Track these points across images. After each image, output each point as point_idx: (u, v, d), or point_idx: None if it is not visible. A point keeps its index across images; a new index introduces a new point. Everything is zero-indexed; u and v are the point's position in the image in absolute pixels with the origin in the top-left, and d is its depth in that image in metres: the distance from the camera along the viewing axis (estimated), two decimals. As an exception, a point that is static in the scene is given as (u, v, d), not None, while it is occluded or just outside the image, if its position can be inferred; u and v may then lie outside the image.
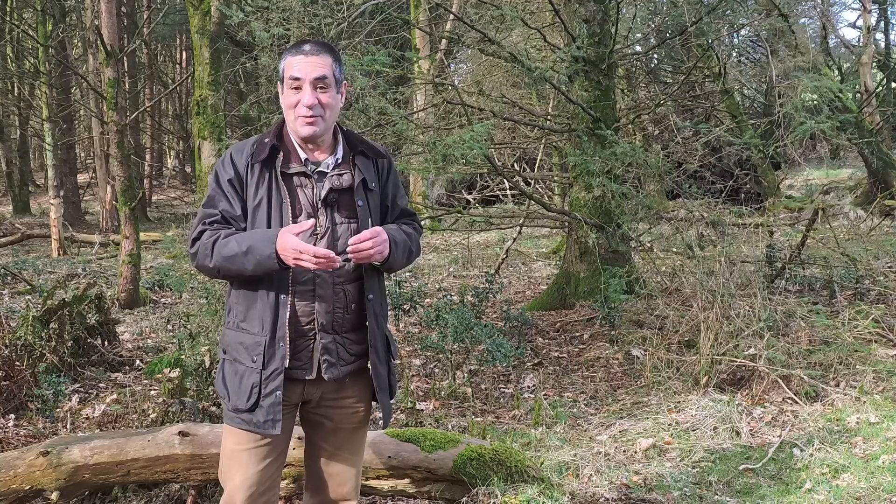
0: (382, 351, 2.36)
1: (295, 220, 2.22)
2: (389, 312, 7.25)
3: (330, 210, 2.25)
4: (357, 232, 2.24)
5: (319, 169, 2.28)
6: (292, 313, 2.22)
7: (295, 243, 2.10)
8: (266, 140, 2.28)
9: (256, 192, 2.24)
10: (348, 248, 2.18)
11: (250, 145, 2.30)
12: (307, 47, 2.26)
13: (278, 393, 2.22)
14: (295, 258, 2.10)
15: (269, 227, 2.22)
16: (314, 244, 2.20)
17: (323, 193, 2.25)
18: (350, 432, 2.40)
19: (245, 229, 2.26)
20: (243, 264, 2.17)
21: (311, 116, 2.21)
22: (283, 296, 2.21)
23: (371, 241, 2.17)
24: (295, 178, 2.26)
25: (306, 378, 2.27)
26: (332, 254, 2.13)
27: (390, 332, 2.46)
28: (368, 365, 2.37)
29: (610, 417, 4.64)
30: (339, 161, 2.31)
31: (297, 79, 2.22)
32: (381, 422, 2.40)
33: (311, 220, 2.18)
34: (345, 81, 2.35)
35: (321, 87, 2.23)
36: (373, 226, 2.30)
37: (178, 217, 19.79)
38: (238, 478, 2.30)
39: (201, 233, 2.26)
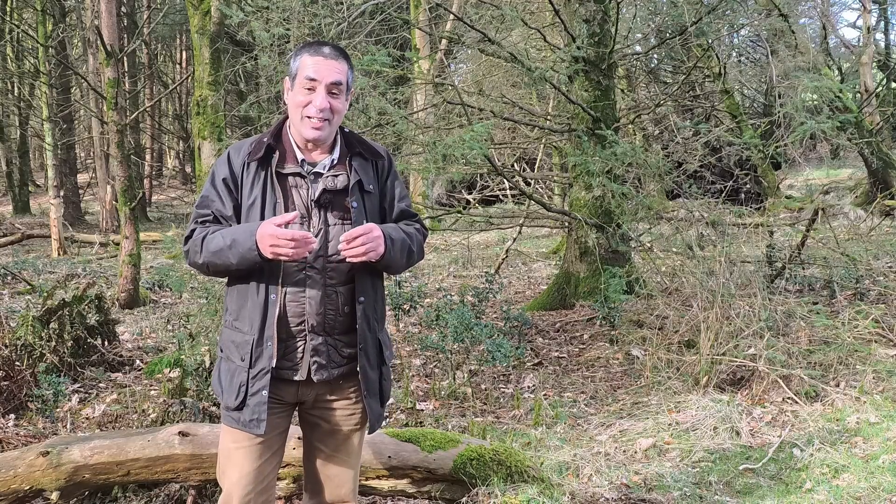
0: (373, 355, 2.34)
1: None
2: (389, 312, 7.26)
3: (323, 211, 2.24)
4: None
5: (315, 169, 2.28)
6: (282, 313, 2.22)
7: (271, 230, 2.10)
8: (265, 139, 2.28)
9: (251, 191, 2.24)
10: (339, 248, 2.16)
11: (248, 144, 2.30)
12: (326, 50, 2.25)
13: (264, 392, 2.21)
14: (272, 245, 2.09)
15: None
16: None
17: (316, 194, 2.24)
18: (347, 434, 2.39)
19: None
20: (228, 258, 2.18)
21: (320, 120, 2.21)
22: (272, 295, 2.21)
23: (363, 237, 2.15)
24: (290, 179, 2.26)
25: (296, 379, 2.27)
26: (309, 234, 2.12)
27: (387, 336, 2.43)
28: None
29: (610, 417, 4.64)
30: (336, 162, 2.30)
31: (313, 80, 2.21)
32: (374, 425, 2.38)
33: (295, 213, 2.16)
34: (352, 89, 2.35)
35: (334, 93, 2.23)
36: None
37: (178, 217, 19.81)
38: (234, 476, 2.30)
39: (193, 231, 2.28)
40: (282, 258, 2.12)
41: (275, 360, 2.22)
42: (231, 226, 2.27)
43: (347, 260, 2.18)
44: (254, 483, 2.30)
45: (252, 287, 2.23)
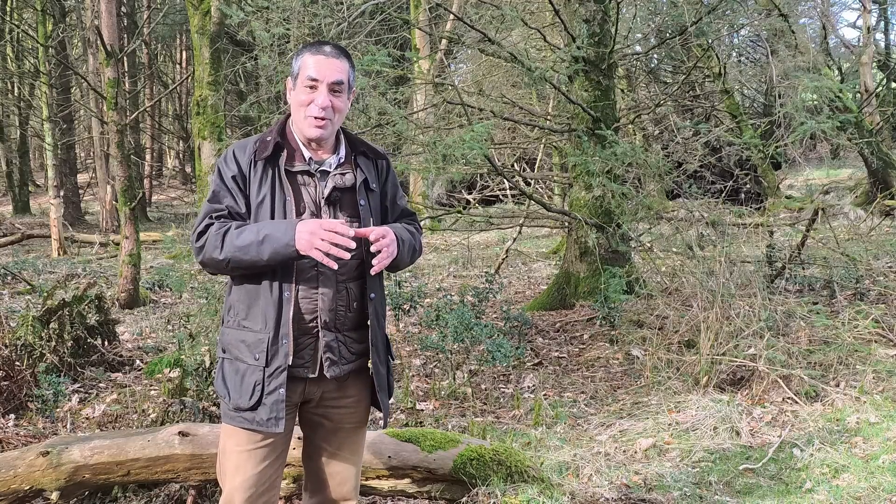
0: (383, 350, 2.38)
1: (298, 217, 2.22)
2: (389, 312, 7.26)
3: (332, 209, 2.26)
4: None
5: (322, 168, 2.29)
6: (296, 310, 2.22)
7: (318, 221, 2.12)
8: (269, 138, 2.28)
9: (260, 189, 2.24)
10: (373, 248, 2.17)
11: (252, 143, 2.29)
12: (328, 49, 2.26)
13: (282, 391, 2.21)
14: (309, 238, 2.08)
15: None
16: None
17: (326, 192, 2.26)
18: (350, 432, 2.40)
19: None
20: (258, 253, 2.14)
21: (322, 119, 2.22)
22: (286, 293, 2.21)
23: (388, 238, 2.19)
24: (298, 176, 2.27)
25: (308, 376, 2.27)
26: (349, 232, 2.12)
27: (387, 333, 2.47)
28: (369, 364, 2.37)
29: (610, 417, 4.64)
30: (342, 160, 2.32)
31: (314, 79, 2.22)
32: (380, 421, 2.40)
33: (342, 221, 2.18)
34: (353, 88, 2.36)
35: (336, 91, 2.24)
36: (373, 225, 2.30)
37: (178, 217, 19.80)
38: (237, 479, 2.29)
39: (208, 226, 2.23)
40: (315, 253, 2.09)
41: (291, 358, 2.22)
42: (246, 222, 2.25)
43: (372, 272, 2.20)
44: (256, 486, 2.29)
45: (264, 285, 2.22)
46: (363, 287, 2.29)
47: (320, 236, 2.09)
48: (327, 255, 2.10)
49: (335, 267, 2.12)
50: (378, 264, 2.19)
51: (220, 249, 2.18)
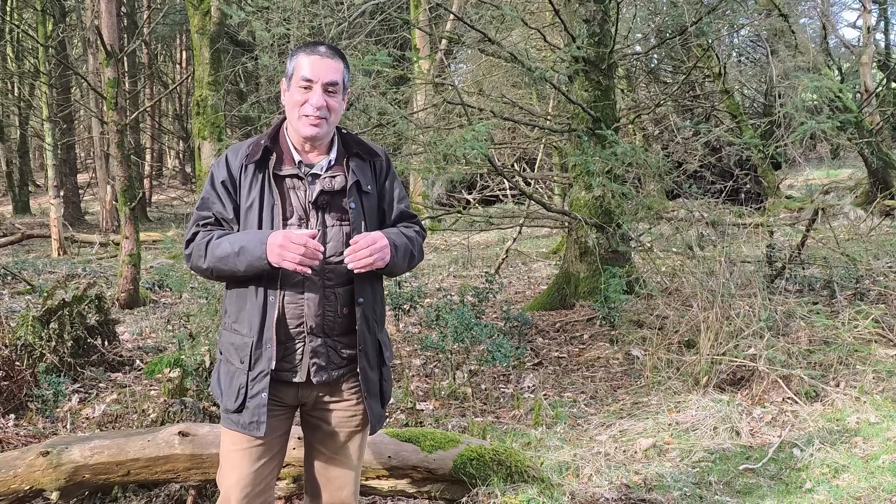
0: (373, 356, 2.34)
1: (285, 221, 2.21)
2: (389, 313, 7.26)
3: (321, 213, 2.24)
4: (349, 235, 2.22)
5: (313, 171, 2.27)
6: (281, 315, 2.22)
7: (285, 233, 2.12)
8: (262, 142, 2.27)
9: (249, 193, 2.24)
10: (346, 261, 2.17)
11: (246, 146, 2.29)
12: (322, 49, 2.26)
13: (264, 395, 2.21)
14: (280, 246, 2.10)
15: (260, 228, 2.22)
16: None
17: (313, 196, 2.24)
18: (348, 436, 2.38)
19: (239, 231, 2.26)
20: (235, 265, 2.17)
21: (317, 118, 2.21)
22: (271, 298, 2.21)
23: (368, 248, 2.16)
24: (287, 180, 2.26)
25: (295, 381, 2.27)
26: (320, 247, 2.14)
27: (387, 336, 2.43)
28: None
29: (610, 417, 4.64)
30: (333, 163, 2.30)
31: (309, 79, 2.22)
32: (376, 426, 2.38)
33: (315, 230, 2.18)
34: (348, 89, 2.35)
35: (330, 91, 2.24)
36: (367, 228, 2.27)
37: (178, 217, 19.81)
38: (233, 477, 2.30)
39: (195, 234, 2.27)
40: (286, 265, 2.11)
41: (274, 363, 2.22)
42: (233, 228, 2.27)
43: (355, 271, 2.19)
44: (252, 485, 2.29)
45: (251, 289, 2.23)
46: (353, 292, 2.27)
47: (288, 249, 2.10)
48: (300, 265, 2.12)
49: (308, 272, 2.15)
50: (359, 269, 2.17)
51: (203, 258, 2.23)
